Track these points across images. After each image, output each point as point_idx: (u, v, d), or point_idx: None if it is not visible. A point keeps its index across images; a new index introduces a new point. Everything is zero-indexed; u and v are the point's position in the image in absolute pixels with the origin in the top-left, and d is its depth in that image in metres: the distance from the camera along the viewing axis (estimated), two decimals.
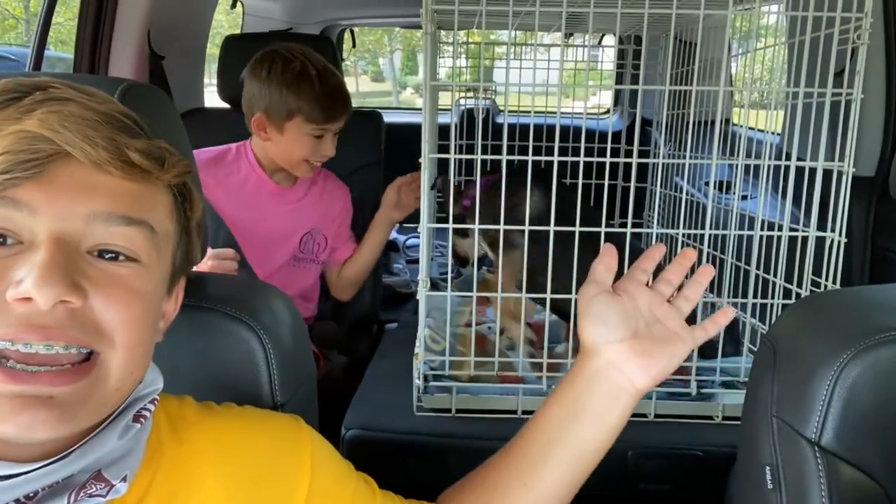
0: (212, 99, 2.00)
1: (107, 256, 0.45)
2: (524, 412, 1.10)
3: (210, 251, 1.25)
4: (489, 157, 1.10)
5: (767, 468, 0.59)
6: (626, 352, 0.62)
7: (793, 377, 0.60)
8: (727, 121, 1.81)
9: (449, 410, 1.10)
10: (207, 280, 0.68)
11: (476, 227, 1.07)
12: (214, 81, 1.97)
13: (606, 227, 1.03)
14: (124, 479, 0.47)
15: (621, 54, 1.93)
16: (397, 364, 1.27)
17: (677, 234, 1.07)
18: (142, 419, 0.50)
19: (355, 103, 1.50)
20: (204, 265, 1.20)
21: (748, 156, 1.11)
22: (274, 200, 1.46)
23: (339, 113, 1.39)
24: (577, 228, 1.11)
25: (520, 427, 1.06)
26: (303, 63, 1.35)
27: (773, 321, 1.12)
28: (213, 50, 2.16)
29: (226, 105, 1.81)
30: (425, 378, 1.11)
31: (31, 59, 1.54)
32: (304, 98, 1.34)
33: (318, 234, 1.51)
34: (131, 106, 0.51)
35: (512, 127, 1.58)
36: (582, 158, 1.03)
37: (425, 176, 1.09)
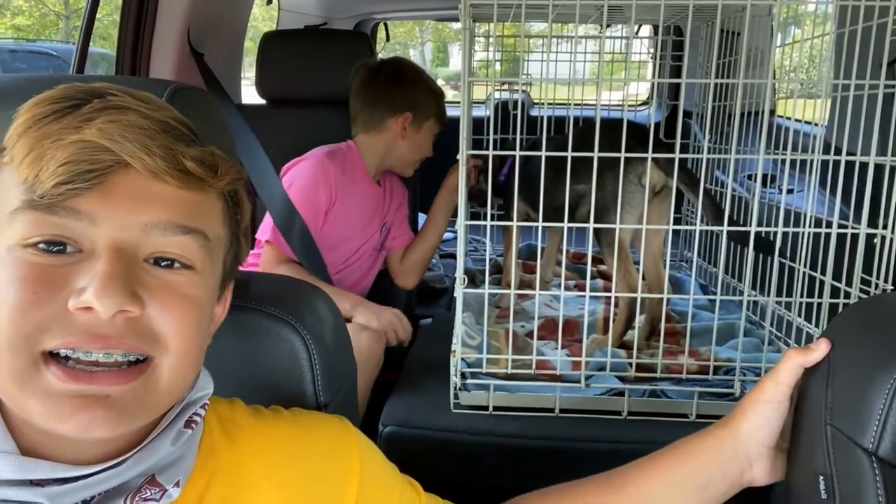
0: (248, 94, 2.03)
1: (163, 264, 0.46)
2: (562, 410, 1.09)
3: (396, 318, 1.39)
4: (528, 153, 1.09)
5: (821, 478, 0.57)
6: (766, 454, 0.63)
7: (849, 384, 0.58)
8: (771, 112, 1.77)
9: (486, 407, 1.10)
10: (251, 280, 0.68)
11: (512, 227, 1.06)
12: (247, 75, 1.99)
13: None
14: (177, 485, 0.48)
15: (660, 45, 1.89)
16: (433, 360, 1.28)
17: (722, 230, 1.04)
18: (193, 424, 0.51)
19: None
20: (375, 322, 1.37)
21: (793, 149, 1.08)
22: (372, 201, 1.58)
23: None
24: (618, 226, 1.09)
25: (556, 426, 1.06)
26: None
27: (820, 320, 1.09)
28: (247, 44, 2.19)
29: (262, 101, 1.82)
30: (462, 375, 1.11)
31: (74, 59, 1.57)
32: (439, 102, 1.58)
33: (386, 227, 1.63)
34: (178, 108, 0.51)
35: (547, 120, 1.56)
36: (623, 154, 1.01)
37: (462, 172, 1.08)
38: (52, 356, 0.43)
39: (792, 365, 0.63)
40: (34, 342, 0.42)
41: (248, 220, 0.56)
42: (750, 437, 0.63)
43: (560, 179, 1.02)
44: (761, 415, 0.63)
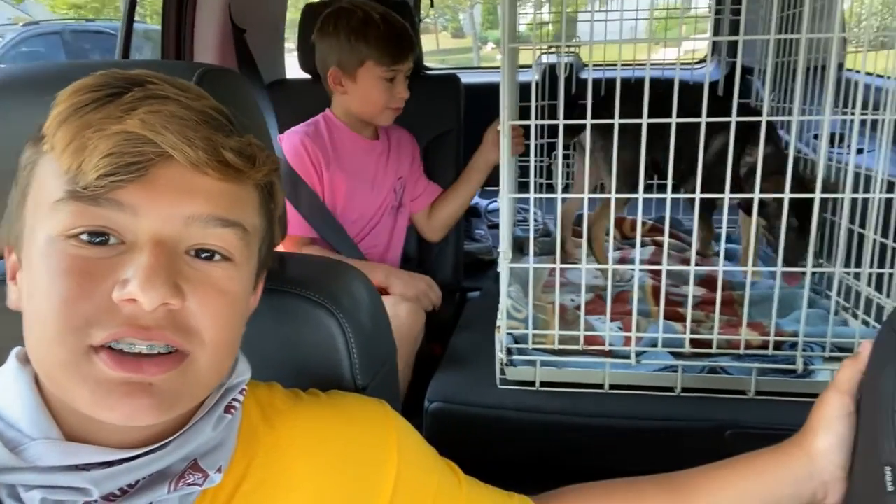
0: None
1: (203, 256, 0.46)
2: (612, 386, 1.06)
3: (426, 285, 1.40)
4: (574, 121, 1.04)
5: (888, 469, 0.53)
6: (842, 478, 0.60)
7: None
8: (840, 66, 1.65)
9: (533, 383, 1.08)
10: (286, 262, 0.68)
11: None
12: (290, 47, 1.96)
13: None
14: (219, 470, 0.48)
15: None
16: (480, 335, 1.26)
17: (784, 198, 0.98)
18: (232, 410, 0.51)
19: (436, 62, 1.49)
20: (411, 290, 1.39)
21: (863, 105, 1.00)
22: (370, 156, 1.52)
23: (406, 53, 1.44)
24: (669, 194, 1.04)
25: (605, 402, 1.03)
26: (364, 11, 1.42)
27: (891, 291, 1.01)
28: (293, 14, 2.16)
29: (307, 76, 1.81)
30: (508, 351, 1.09)
31: (120, 41, 1.59)
32: (372, 42, 1.41)
33: (403, 180, 1.58)
34: (207, 91, 0.50)
35: (598, 83, 1.49)
36: (690, 119, 0.95)
37: (505, 144, 1.04)
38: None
39: (852, 373, 0.60)
40: (82, 335, 0.42)
41: (282, 209, 0.56)
42: (825, 458, 0.59)
43: None
44: (834, 433, 0.59)
